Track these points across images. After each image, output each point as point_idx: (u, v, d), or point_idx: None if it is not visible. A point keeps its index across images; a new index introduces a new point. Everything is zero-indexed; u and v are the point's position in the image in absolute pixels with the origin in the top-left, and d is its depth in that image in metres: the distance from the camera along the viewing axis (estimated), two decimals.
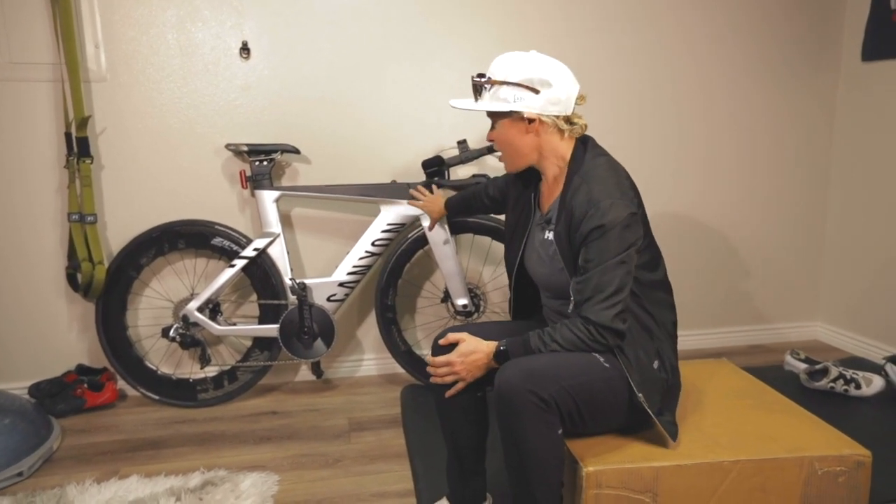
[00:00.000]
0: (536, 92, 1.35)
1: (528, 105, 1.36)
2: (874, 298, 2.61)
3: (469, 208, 1.94)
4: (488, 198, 1.84)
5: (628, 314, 1.34)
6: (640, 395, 1.33)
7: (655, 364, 1.39)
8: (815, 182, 2.78)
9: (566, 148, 1.41)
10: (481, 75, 1.40)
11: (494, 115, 1.42)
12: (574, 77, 1.40)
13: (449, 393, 1.42)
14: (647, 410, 1.34)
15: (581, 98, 1.42)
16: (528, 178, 1.53)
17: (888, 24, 2.45)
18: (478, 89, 1.41)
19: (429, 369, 1.44)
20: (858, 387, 2.18)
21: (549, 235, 1.42)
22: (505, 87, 1.36)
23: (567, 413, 1.28)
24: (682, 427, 1.46)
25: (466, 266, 2.55)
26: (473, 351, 1.39)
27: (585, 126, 1.43)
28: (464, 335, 1.42)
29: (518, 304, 1.62)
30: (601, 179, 1.34)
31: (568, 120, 1.40)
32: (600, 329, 1.30)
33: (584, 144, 1.43)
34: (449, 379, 1.41)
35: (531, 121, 1.38)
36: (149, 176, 2.29)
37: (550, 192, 1.46)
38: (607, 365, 1.33)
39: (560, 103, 1.37)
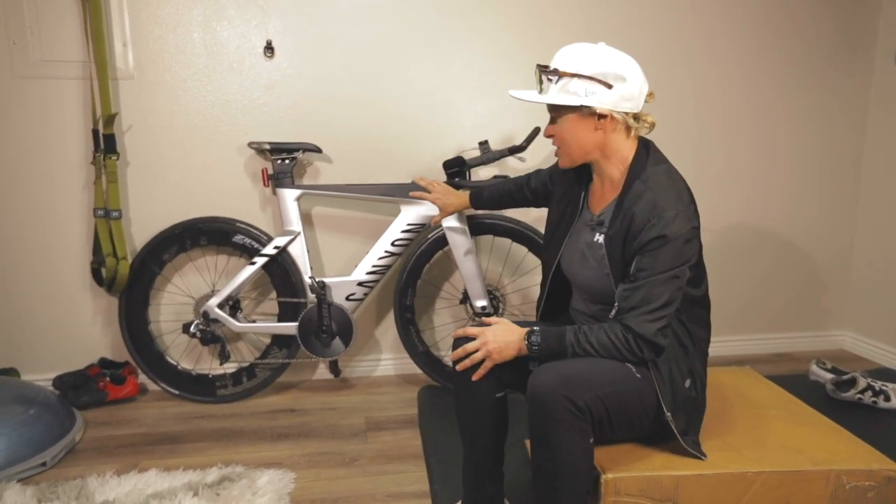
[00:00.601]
0: (609, 87, 1.29)
1: (600, 100, 1.30)
2: None
3: (509, 201, 1.85)
4: (530, 190, 1.77)
5: (670, 330, 1.31)
6: (668, 414, 1.30)
7: (687, 383, 1.36)
8: (843, 187, 2.72)
9: (629, 148, 1.36)
10: (545, 67, 1.33)
11: (559, 109, 1.35)
12: (643, 73, 1.34)
13: (477, 374, 1.38)
14: (673, 430, 1.32)
15: (650, 95, 1.37)
16: (579, 174, 1.48)
17: None
18: (542, 81, 1.34)
19: (453, 355, 1.40)
20: (888, 399, 2.12)
21: (600, 238, 1.37)
22: (576, 79, 1.30)
23: (598, 421, 1.25)
24: (704, 436, 1.44)
25: (486, 268, 2.54)
26: (505, 328, 1.37)
27: (653, 124, 1.37)
28: (498, 318, 1.41)
29: (547, 304, 1.58)
30: (665, 188, 1.29)
31: (636, 117, 1.35)
32: (640, 341, 1.27)
33: (647, 148, 1.38)
34: (478, 356, 1.36)
35: (601, 117, 1.32)
36: (173, 173, 2.32)
37: (604, 194, 1.41)
38: (639, 376, 1.30)
39: (633, 99, 1.32)
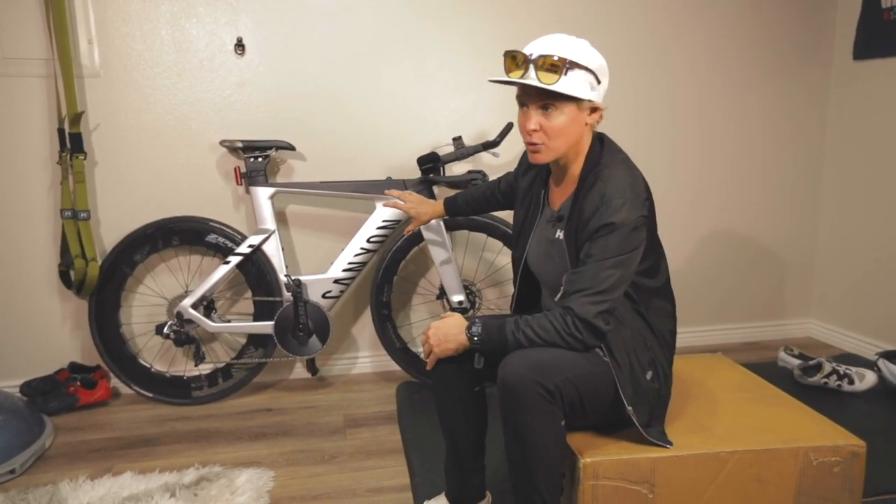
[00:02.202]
0: (599, 82, 1.31)
1: (598, 94, 1.32)
2: (867, 295, 2.63)
3: (484, 205, 1.82)
4: (501, 193, 1.77)
5: (612, 318, 1.31)
6: (629, 408, 1.32)
7: (649, 375, 1.37)
8: (808, 179, 2.80)
9: (587, 142, 1.37)
10: (544, 56, 1.26)
11: (558, 101, 1.28)
12: None
13: (428, 367, 1.42)
14: (636, 424, 1.34)
15: None
16: (539, 171, 1.50)
17: (880, 23, 2.47)
18: (553, 69, 1.26)
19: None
20: (851, 382, 2.20)
21: (560, 234, 1.38)
22: (583, 71, 1.28)
23: (569, 404, 1.27)
24: (678, 419, 1.47)
25: (462, 263, 2.55)
26: (451, 321, 1.38)
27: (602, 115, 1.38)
28: (452, 313, 1.42)
29: (519, 301, 1.59)
30: (616, 179, 1.30)
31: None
32: (578, 322, 1.26)
33: (601, 141, 1.39)
34: (426, 349, 1.40)
35: (593, 111, 1.33)
36: (143, 172, 2.28)
37: (563, 189, 1.42)
38: (606, 359, 1.32)
39: (605, 95, 1.35)
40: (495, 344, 1.32)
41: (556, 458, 1.27)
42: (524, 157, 1.59)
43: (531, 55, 1.28)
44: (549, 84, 1.26)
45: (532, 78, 1.27)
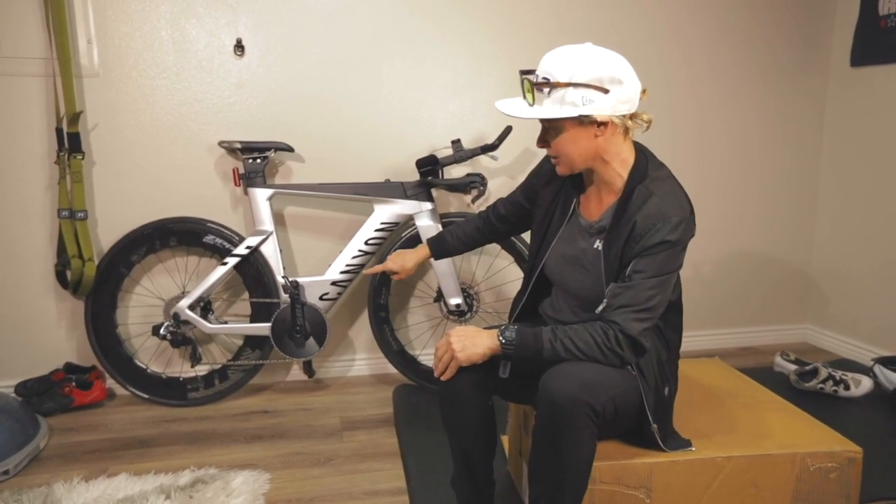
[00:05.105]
0: (606, 92, 1.23)
1: (598, 107, 1.24)
2: (863, 301, 2.63)
3: (479, 238, 1.69)
4: (499, 219, 1.64)
5: (650, 335, 1.29)
6: (654, 425, 1.32)
7: (666, 390, 1.36)
8: (805, 185, 2.81)
9: (628, 151, 1.32)
10: (533, 75, 1.26)
11: (555, 121, 1.28)
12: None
13: (445, 375, 1.33)
14: (658, 441, 1.34)
15: (644, 92, 1.31)
16: (565, 179, 1.43)
17: (877, 31, 2.48)
18: (532, 92, 1.27)
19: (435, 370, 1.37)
20: (847, 388, 2.20)
21: (599, 245, 1.34)
22: (571, 89, 1.23)
23: (606, 422, 1.24)
24: (675, 424, 1.47)
25: (459, 266, 2.55)
26: (473, 329, 1.32)
27: (650, 121, 1.33)
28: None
29: (525, 307, 1.55)
30: (671, 194, 1.28)
31: (633, 117, 1.30)
32: (623, 337, 1.23)
33: (645, 154, 1.35)
34: (445, 358, 1.32)
35: (601, 124, 1.25)
36: (141, 173, 2.27)
37: (601, 200, 1.36)
38: (634, 373, 1.30)
39: (629, 101, 1.27)
40: (529, 352, 1.27)
41: (587, 475, 1.25)
42: (547, 164, 1.50)
43: (526, 76, 1.28)
44: (535, 108, 1.27)
45: (527, 100, 1.29)
